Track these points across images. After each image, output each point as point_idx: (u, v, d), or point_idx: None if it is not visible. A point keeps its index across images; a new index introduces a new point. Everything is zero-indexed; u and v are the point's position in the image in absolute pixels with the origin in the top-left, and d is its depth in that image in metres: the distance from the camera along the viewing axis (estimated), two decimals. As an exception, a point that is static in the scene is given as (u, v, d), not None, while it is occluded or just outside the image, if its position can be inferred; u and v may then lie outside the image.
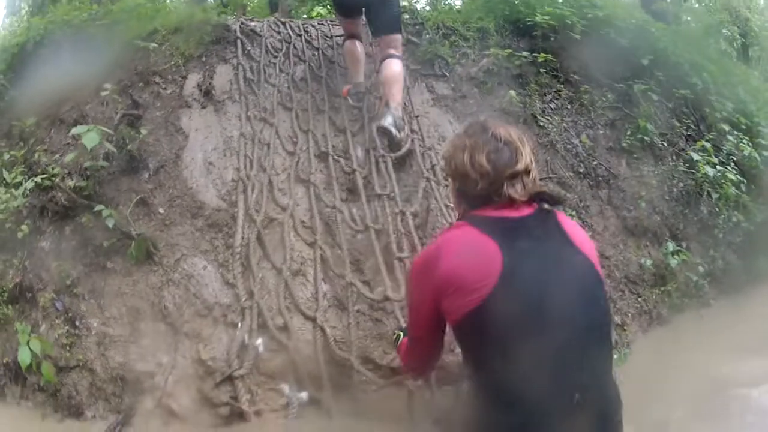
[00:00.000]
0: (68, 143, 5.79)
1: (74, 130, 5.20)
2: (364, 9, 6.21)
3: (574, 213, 6.19)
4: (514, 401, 2.41)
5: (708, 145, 7.48)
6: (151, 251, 4.94)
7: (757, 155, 7.82)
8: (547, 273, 2.52)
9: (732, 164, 7.59)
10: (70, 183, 5.27)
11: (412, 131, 6.13)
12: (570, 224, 2.69)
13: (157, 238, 5.05)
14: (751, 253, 7.33)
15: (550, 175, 6.41)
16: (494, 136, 2.66)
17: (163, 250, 4.99)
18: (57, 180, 5.30)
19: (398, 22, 6.28)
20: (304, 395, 4.25)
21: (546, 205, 2.67)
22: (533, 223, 2.62)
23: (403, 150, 5.81)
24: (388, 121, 5.55)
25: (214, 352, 4.40)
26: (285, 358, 4.31)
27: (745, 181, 7.44)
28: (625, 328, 5.79)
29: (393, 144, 5.77)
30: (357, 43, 6.51)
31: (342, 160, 5.77)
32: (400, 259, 4.74)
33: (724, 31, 14.30)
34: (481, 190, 2.63)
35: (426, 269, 2.68)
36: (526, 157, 2.63)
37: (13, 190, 5.27)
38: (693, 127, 8.07)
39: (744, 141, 7.91)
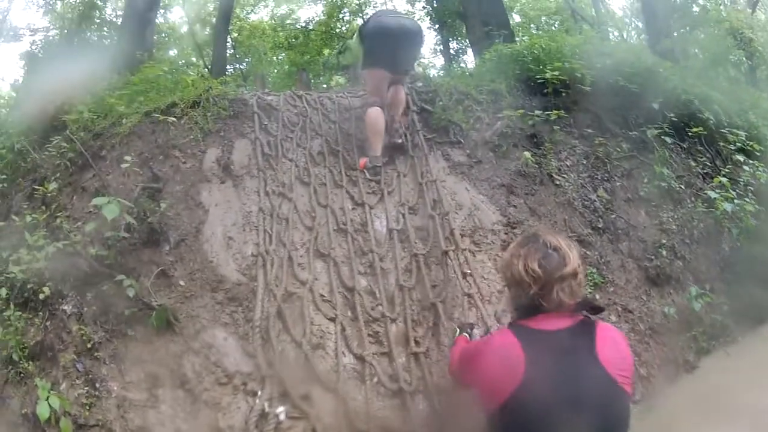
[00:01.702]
0: (90, 212, 5.84)
1: (95, 201, 5.32)
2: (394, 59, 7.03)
3: (595, 270, 6.25)
4: None
5: (725, 180, 7.44)
6: (171, 321, 5.00)
7: None
8: (562, 385, 2.74)
9: (750, 194, 7.53)
10: (92, 251, 5.33)
11: (434, 201, 6.28)
12: (604, 337, 2.87)
13: (178, 310, 5.12)
14: None
15: (569, 234, 6.43)
16: (544, 243, 2.93)
17: (183, 321, 5.06)
18: (79, 247, 5.34)
19: (413, 65, 7.56)
20: (326, 466, 4.24)
21: (587, 315, 2.90)
22: (568, 336, 2.84)
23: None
24: (394, 136, 6.90)
25: (232, 421, 4.44)
26: (306, 427, 4.34)
27: (764, 209, 7.40)
28: (651, 379, 5.78)
29: (398, 140, 6.97)
30: (383, 113, 6.97)
31: (361, 236, 5.91)
32: (417, 342, 4.97)
33: (731, 57, 14.42)
34: (534, 295, 2.85)
35: (466, 360, 3.24)
36: (574, 261, 2.88)
37: (35, 252, 5.27)
38: (709, 164, 8.16)
39: (760, 168, 7.93)
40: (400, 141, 6.92)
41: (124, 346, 4.95)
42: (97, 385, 4.72)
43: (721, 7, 20.95)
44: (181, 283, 5.35)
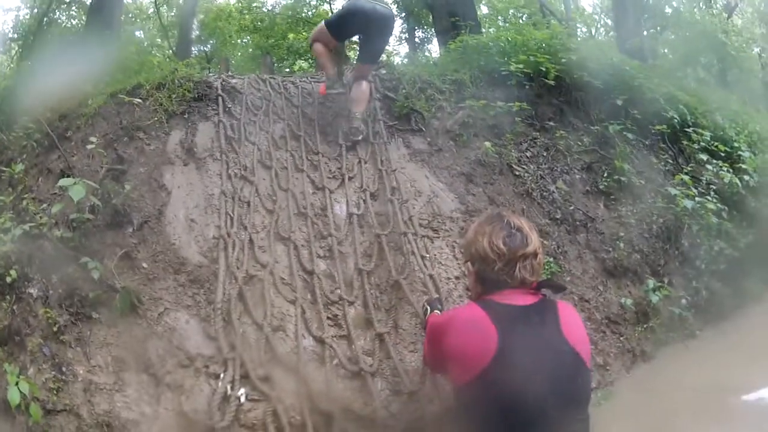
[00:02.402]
0: (55, 193, 5.88)
1: (61, 182, 5.36)
2: (359, 35, 7.63)
3: (552, 260, 6.31)
4: None
5: (686, 177, 7.59)
6: (135, 304, 5.03)
7: (737, 181, 7.94)
8: (535, 357, 2.90)
9: (712, 193, 7.66)
10: (58, 233, 5.35)
11: (392, 188, 6.39)
12: (566, 314, 3.08)
13: (141, 292, 5.14)
14: (736, 279, 7.38)
15: (527, 224, 6.56)
16: (508, 223, 3.15)
17: (146, 303, 5.08)
18: (45, 230, 5.38)
19: (382, 53, 7.89)
20: (287, 447, 4.30)
21: (549, 294, 3.13)
22: (533, 312, 3.03)
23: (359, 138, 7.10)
24: (353, 133, 7.06)
25: (195, 404, 4.46)
26: (267, 409, 4.39)
27: (726, 208, 7.55)
28: (607, 368, 5.87)
29: (357, 137, 7.09)
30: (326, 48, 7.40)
31: (321, 220, 6.00)
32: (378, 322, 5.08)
33: (701, 59, 14.55)
34: (498, 271, 3.06)
35: (436, 337, 3.28)
36: (535, 242, 3.14)
37: (1, 235, 5.29)
38: (671, 161, 8.24)
39: (724, 168, 8.06)
40: (357, 138, 7.06)
41: (89, 329, 4.97)
42: (64, 369, 4.73)
43: (696, 10, 21.11)
44: (144, 265, 5.39)
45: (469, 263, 3.31)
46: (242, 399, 4.45)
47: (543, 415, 2.83)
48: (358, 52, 7.83)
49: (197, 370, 4.69)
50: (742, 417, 5.00)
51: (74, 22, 21.48)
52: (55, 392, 4.59)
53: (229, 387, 4.48)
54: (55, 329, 4.91)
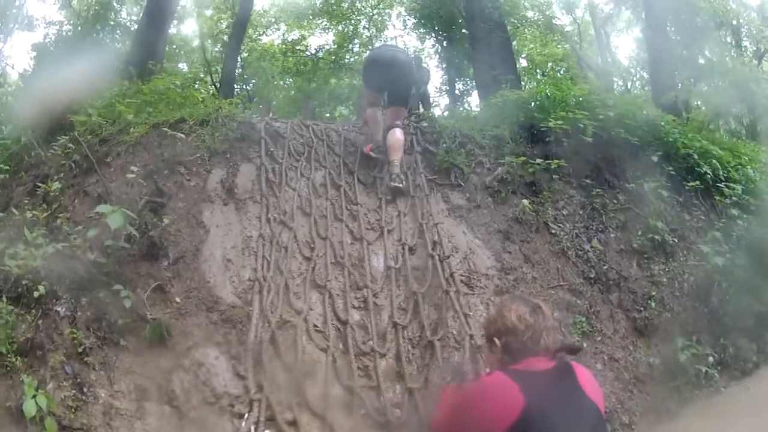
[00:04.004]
0: (91, 217, 5.85)
1: (99, 209, 5.36)
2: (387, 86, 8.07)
3: (584, 319, 6.34)
4: None
5: (718, 234, 7.55)
6: (164, 336, 5.04)
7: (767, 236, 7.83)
8: (560, 411, 3.01)
9: (743, 249, 7.58)
10: (91, 257, 5.34)
11: (434, 242, 6.38)
12: (583, 374, 3.24)
13: (172, 325, 5.15)
14: (762, 335, 7.28)
15: (561, 283, 6.59)
16: (528, 302, 3.46)
17: (176, 336, 5.09)
18: (79, 252, 5.36)
19: (408, 96, 8.38)
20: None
21: (566, 357, 3.23)
22: (554, 374, 3.15)
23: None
24: (395, 180, 7.13)
25: None
26: None
27: (754, 262, 7.43)
28: (633, 426, 5.81)
29: (399, 184, 7.13)
30: (378, 110, 7.85)
31: (357, 271, 6.00)
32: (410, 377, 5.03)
33: (732, 109, 14.51)
34: (526, 341, 3.25)
35: (462, 406, 3.28)
36: (551, 317, 3.39)
37: (33, 249, 5.25)
38: (703, 217, 8.16)
39: (754, 223, 8.00)
40: (399, 185, 7.11)
41: (114, 354, 4.96)
42: (85, 389, 4.70)
43: (727, 59, 21.14)
44: (177, 299, 5.40)
45: (495, 338, 3.42)
46: None
47: None
48: (386, 101, 8.18)
49: (222, 408, 4.68)
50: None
51: (118, 46, 21.72)
52: (73, 410, 4.56)
53: (253, 428, 4.46)
54: (80, 350, 4.91)
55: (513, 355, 3.29)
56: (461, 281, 6.11)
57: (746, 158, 9.53)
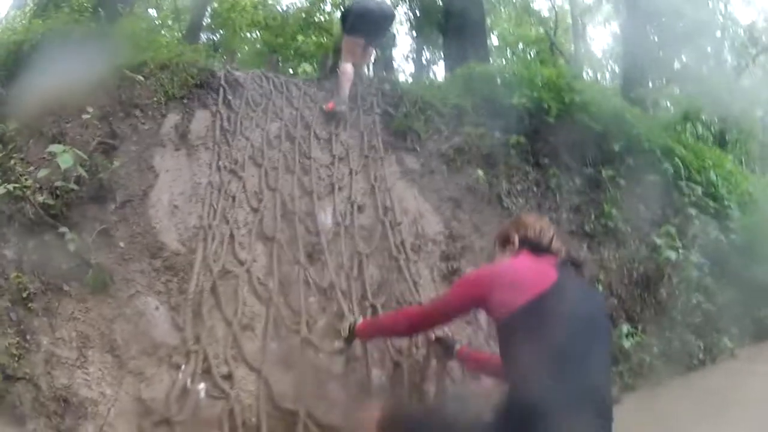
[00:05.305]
0: (44, 158, 5.71)
1: (51, 148, 5.30)
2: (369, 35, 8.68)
3: None
4: (544, 390, 2.97)
5: (672, 229, 7.55)
6: (107, 283, 4.99)
7: (723, 238, 8.04)
8: (582, 294, 3.44)
9: (697, 247, 7.69)
10: (40, 198, 5.28)
11: (385, 207, 6.37)
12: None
13: (115, 271, 5.10)
14: (710, 334, 7.43)
15: (508, 257, 6.55)
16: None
17: (118, 283, 5.04)
18: (28, 193, 5.29)
19: (381, 41, 9.47)
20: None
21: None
22: (571, 268, 3.54)
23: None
24: (338, 104, 7.63)
25: (155, 393, 4.42)
26: (224, 407, 4.37)
27: (708, 263, 7.60)
28: None
29: (340, 117, 7.64)
30: (353, 69, 8.16)
31: (305, 225, 5.95)
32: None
33: (702, 116, 14.61)
34: (542, 238, 3.64)
35: (484, 275, 3.61)
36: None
37: None
38: (659, 212, 8.15)
39: (711, 225, 8.12)
40: (341, 108, 7.67)
41: (57, 300, 4.90)
42: (28, 337, 4.66)
43: (704, 68, 21.28)
44: (121, 244, 5.34)
45: (511, 235, 3.76)
46: (201, 394, 4.42)
47: (590, 344, 3.19)
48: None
49: (161, 359, 4.66)
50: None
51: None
52: (17, 359, 4.51)
53: (189, 380, 4.45)
54: (24, 295, 4.83)
55: (528, 245, 3.63)
56: (407, 244, 6.07)
57: (710, 162, 9.55)
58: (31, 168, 5.70)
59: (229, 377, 4.55)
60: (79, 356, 4.64)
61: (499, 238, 3.91)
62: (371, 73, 9.72)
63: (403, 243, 6.00)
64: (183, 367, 4.56)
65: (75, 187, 5.46)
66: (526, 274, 3.31)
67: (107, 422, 4.34)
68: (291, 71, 10.87)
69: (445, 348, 4.73)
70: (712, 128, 15.88)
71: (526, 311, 3.11)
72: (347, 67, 8.08)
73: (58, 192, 5.42)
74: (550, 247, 3.60)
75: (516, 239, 3.70)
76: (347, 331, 4.52)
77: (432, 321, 3.99)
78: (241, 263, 5.38)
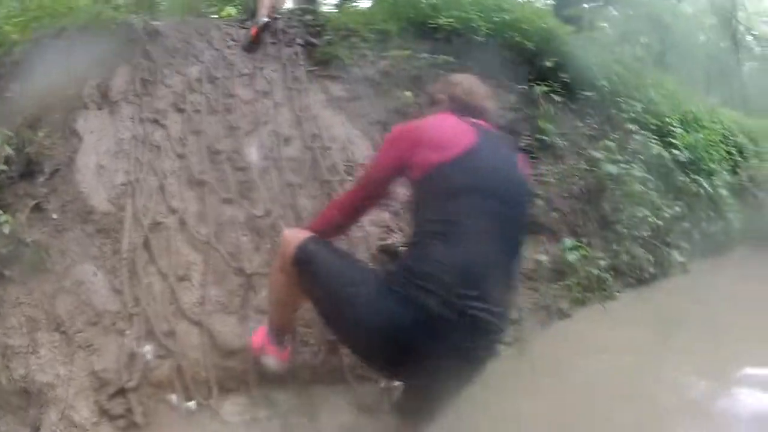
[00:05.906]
0: None
1: (-25, 132, 5.14)
2: None
3: None
4: (458, 242, 2.98)
5: (612, 144, 7.61)
6: (44, 258, 4.90)
7: (666, 153, 8.06)
8: (501, 158, 3.40)
9: (638, 162, 7.73)
10: (-30, 184, 5.16)
11: (312, 135, 6.29)
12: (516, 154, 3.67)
13: (50, 245, 5.01)
14: (659, 248, 7.55)
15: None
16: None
17: (54, 256, 4.94)
18: (-42, 180, 5.19)
19: None
20: (192, 404, 4.20)
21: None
22: (496, 134, 3.56)
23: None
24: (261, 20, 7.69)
25: (105, 363, 4.31)
26: (172, 365, 4.31)
27: (652, 178, 7.64)
28: (522, 323, 5.72)
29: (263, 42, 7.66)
30: None
31: (233, 164, 5.88)
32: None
33: (641, 39, 14.47)
34: (471, 98, 3.69)
35: (407, 130, 3.49)
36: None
37: None
38: (596, 127, 8.19)
39: (652, 140, 8.14)
40: (264, 21, 7.76)
41: (2, 289, 4.82)
42: (-20, 331, 4.56)
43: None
44: (54, 216, 5.24)
45: (441, 93, 3.81)
46: (148, 356, 4.34)
47: (507, 208, 3.19)
48: None
49: (106, 328, 4.53)
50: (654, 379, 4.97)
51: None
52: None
53: (135, 344, 4.37)
54: (-34, 288, 4.71)
55: (459, 108, 3.58)
56: (338, 170, 6.01)
57: (649, 81, 9.67)
58: (-40, 154, 5.56)
59: (172, 334, 4.46)
60: (30, 342, 4.54)
61: (429, 96, 3.91)
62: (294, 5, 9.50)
63: (335, 166, 5.95)
64: (128, 332, 4.45)
65: (4, 167, 5.38)
66: (445, 133, 3.29)
67: (68, 404, 4.21)
68: (215, 16, 10.68)
69: (391, 256, 4.71)
70: (651, 51, 15.79)
71: (437, 172, 3.13)
72: None
73: (-12, 175, 5.27)
74: (480, 109, 3.61)
75: (445, 98, 3.73)
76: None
77: (364, 196, 3.72)
78: (173, 212, 5.29)
